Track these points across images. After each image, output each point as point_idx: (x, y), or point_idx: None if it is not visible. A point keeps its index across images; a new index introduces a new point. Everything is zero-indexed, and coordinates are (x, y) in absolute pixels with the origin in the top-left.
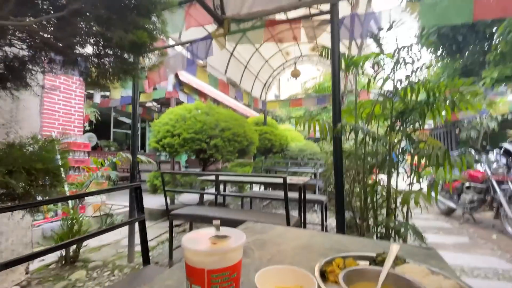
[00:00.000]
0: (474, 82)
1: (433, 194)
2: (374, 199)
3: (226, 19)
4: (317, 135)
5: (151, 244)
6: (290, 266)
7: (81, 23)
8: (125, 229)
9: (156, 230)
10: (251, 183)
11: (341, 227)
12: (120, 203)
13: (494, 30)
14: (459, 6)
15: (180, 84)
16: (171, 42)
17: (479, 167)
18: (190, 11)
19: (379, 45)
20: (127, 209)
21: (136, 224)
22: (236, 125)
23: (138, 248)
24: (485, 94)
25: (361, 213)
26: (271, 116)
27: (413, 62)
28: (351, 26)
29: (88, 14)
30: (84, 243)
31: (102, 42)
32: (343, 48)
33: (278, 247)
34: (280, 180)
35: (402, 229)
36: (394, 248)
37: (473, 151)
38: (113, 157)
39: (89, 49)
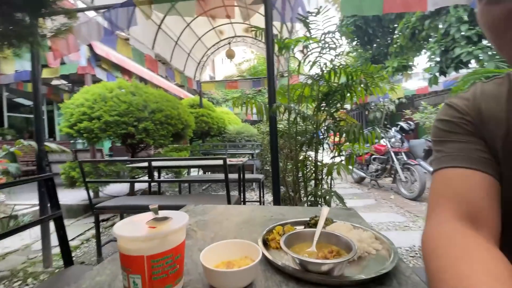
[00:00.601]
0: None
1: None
2: (304, 173)
3: None
4: (254, 117)
5: (73, 243)
6: (234, 240)
7: None
8: (36, 232)
9: (77, 228)
10: (189, 167)
11: (277, 200)
12: (25, 202)
13: (395, 25)
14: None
15: (96, 59)
16: (81, 5)
17: (382, 141)
18: None
19: (308, 28)
20: (37, 208)
21: (52, 223)
22: (169, 106)
23: (56, 250)
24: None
25: (293, 186)
26: (207, 98)
27: (336, 47)
28: (282, 9)
29: None
30: None
31: None
32: (274, 31)
33: (220, 224)
34: (220, 162)
35: (328, 196)
36: (324, 211)
37: (378, 129)
38: (10, 147)
39: None
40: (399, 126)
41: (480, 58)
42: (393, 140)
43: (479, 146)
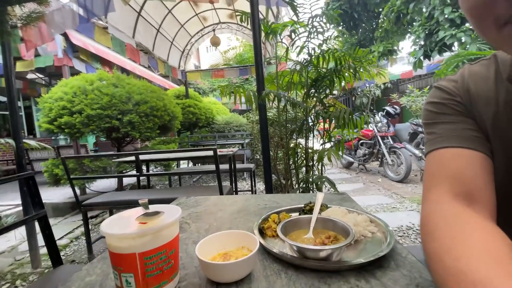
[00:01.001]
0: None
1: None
2: (295, 160)
3: None
4: (242, 107)
5: (61, 242)
6: (229, 231)
7: None
8: (22, 232)
9: (66, 226)
10: (179, 159)
11: (269, 188)
12: (8, 202)
13: (380, 10)
14: None
15: (73, 49)
16: None
17: (369, 126)
18: None
19: (295, 11)
20: (20, 208)
21: (37, 223)
22: (154, 98)
23: (45, 250)
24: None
25: (285, 174)
26: (193, 88)
27: (324, 31)
28: None
29: None
30: None
31: None
32: (260, 16)
33: (214, 215)
34: (210, 153)
35: (319, 182)
36: (319, 197)
37: (365, 114)
38: None
39: None
40: (385, 110)
41: (463, 41)
42: (379, 124)
43: (469, 125)
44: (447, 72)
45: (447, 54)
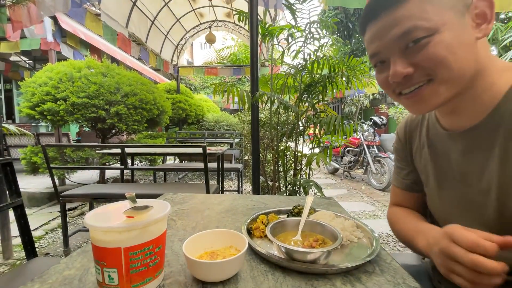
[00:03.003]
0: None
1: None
2: (285, 162)
3: None
4: (233, 106)
5: (36, 234)
6: (217, 229)
7: None
8: None
9: (41, 217)
10: (166, 155)
11: (257, 189)
12: None
13: None
14: None
15: (62, 34)
16: None
17: (355, 134)
18: None
19: (294, 15)
20: None
21: (11, 212)
22: (144, 90)
23: (17, 240)
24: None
25: (273, 176)
26: (184, 84)
27: (320, 38)
28: None
29: None
30: None
31: None
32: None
33: (202, 213)
34: (199, 150)
35: (306, 186)
36: (309, 200)
37: (352, 122)
38: None
39: None
40: (372, 120)
41: None
42: (366, 133)
43: (408, 170)
44: None
45: None
